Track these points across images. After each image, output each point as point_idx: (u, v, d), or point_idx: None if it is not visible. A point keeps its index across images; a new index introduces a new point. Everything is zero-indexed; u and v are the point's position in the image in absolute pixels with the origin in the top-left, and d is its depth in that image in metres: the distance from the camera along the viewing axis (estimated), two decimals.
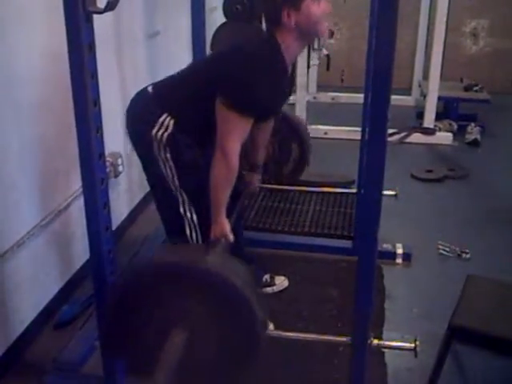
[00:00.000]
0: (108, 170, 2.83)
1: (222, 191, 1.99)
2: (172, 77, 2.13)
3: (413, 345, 1.79)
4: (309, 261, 2.91)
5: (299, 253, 2.97)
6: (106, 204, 1.64)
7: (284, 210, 3.33)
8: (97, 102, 1.53)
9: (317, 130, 4.55)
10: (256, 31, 2.00)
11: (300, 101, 4.55)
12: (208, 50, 3.03)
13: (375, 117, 1.46)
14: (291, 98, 4.39)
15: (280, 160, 2.88)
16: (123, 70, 3.00)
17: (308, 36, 2.00)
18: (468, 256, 2.96)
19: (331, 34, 6.24)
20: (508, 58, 6.13)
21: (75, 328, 2.39)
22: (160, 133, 1.98)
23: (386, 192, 2.76)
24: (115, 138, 2.78)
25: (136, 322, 1.54)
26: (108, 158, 2.83)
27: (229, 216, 2.09)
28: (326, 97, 5.57)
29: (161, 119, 1.99)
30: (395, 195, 2.82)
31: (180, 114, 2.01)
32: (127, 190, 3.18)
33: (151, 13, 3.35)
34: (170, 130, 1.99)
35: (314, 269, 2.85)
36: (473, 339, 1.93)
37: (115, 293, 1.58)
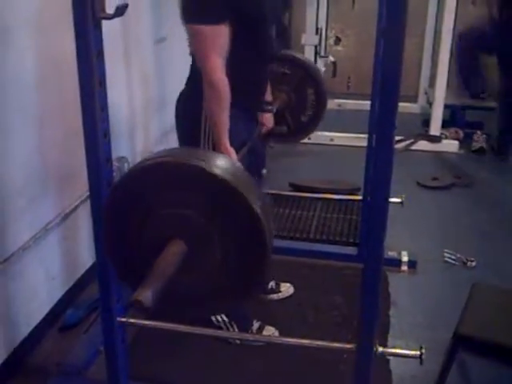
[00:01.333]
0: (114, 174, 2.84)
1: (216, 112, 1.87)
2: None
3: (418, 352, 1.78)
4: (314, 267, 2.91)
5: (304, 259, 2.97)
6: (107, 135, 1.62)
7: (290, 216, 3.33)
8: (104, 108, 1.54)
9: (323, 136, 4.55)
10: None
11: None
12: None
13: (382, 124, 1.46)
14: None
15: (297, 108, 2.69)
16: (130, 75, 3.02)
17: None
18: (473, 264, 2.95)
19: (338, 41, 6.29)
20: None
21: (80, 331, 2.39)
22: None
23: (391, 199, 2.77)
24: (122, 143, 2.79)
25: (131, 226, 1.42)
26: (114, 163, 2.84)
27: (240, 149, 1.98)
28: (333, 103, 5.57)
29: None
30: (401, 203, 2.81)
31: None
32: None
33: (158, 19, 3.36)
34: None
35: (319, 275, 2.85)
36: (478, 348, 1.92)
37: (112, 192, 1.46)
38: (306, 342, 1.87)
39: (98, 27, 1.47)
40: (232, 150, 1.90)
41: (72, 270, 2.60)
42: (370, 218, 1.61)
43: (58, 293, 2.50)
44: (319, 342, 1.87)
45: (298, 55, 2.66)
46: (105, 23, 1.48)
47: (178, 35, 3.45)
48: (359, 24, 5.95)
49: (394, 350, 1.83)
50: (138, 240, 1.42)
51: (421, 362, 1.80)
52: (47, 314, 2.40)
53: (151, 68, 3.29)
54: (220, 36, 1.81)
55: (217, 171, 1.32)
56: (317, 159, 4.38)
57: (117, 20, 1.47)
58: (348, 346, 1.77)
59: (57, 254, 2.47)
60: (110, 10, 1.46)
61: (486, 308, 2.05)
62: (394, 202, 2.75)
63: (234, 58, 1.86)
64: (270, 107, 2.35)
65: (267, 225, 1.34)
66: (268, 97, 2.35)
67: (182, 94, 2.08)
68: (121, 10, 1.45)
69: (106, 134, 1.57)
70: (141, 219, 1.41)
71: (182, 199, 1.36)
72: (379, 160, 1.50)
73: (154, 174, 1.37)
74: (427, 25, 5.38)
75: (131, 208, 1.41)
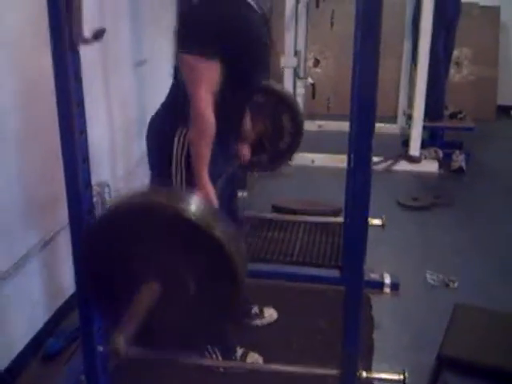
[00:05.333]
0: (95, 199, 2.80)
1: (199, 146, 1.88)
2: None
3: (401, 377, 1.78)
4: (297, 291, 2.88)
5: (287, 283, 2.95)
6: (86, 160, 1.59)
7: (273, 239, 3.32)
8: (83, 132, 1.52)
9: (304, 157, 4.55)
10: None
11: None
12: None
13: (359, 146, 1.47)
14: None
15: (274, 136, 2.73)
16: (110, 98, 3.00)
17: None
18: (456, 285, 2.95)
19: (317, 63, 6.34)
20: (491, 85, 6.23)
21: (62, 361, 2.34)
22: (179, 147, 1.95)
23: (372, 221, 2.79)
24: (102, 167, 2.77)
25: (107, 270, 1.47)
26: (95, 188, 2.81)
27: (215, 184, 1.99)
28: (313, 125, 5.60)
29: (177, 133, 1.95)
30: (382, 225, 2.81)
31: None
32: None
33: (138, 41, 3.36)
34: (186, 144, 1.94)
35: (302, 299, 2.82)
36: (462, 369, 1.92)
37: (86, 237, 1.52)
38: (289, 368, 1.86)
39: (75, 51, 1.46)
40: (210, 185, 1.91)
41: (54, 297, 2.55)
42: (350, 240, 1.60)
43: (39, 321, 2.45)
44: (303, 369, 1.85)
45: (275, 85, 2.70)
46: (84, 46, 1.47)
47: (158, 58, 3.47)
48: (338, 45, 6.01)
49: (377, 375, 1.82)
50: (114, 282, 1.47)
51: None
52: (29, 343, 2.35)
53: (131, 91, 3.28)
54: (212, 71, 1.83)
55: (189, 214, 1.36)
56: (299, 181, 4.38)
57: (96, 43, 1.47)
58: (332, 371, 1.75)
59: (38, 281, 2.43)
60: (87, 33, 1.45)
61: (468, 329, 2.05)
62: (375, 225, 2.76)
63: (220, 95, 1.88)
64: (247, 139, 2.40)
65: (240, 262, 1.39)
66: (247, 127, 2.37)
67: (155, 120, 2.08)
68: (98, 35, 1.45)
69: (85, 159, 1.55)
70: (116, 262, 1.45)
71: (155, 242, 1.40)
72: (357, 181, 1.50)
73: (127, 218, 1.41)
74: (404, 46, 5.45)
75: (105, 252, 1.45)
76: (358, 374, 1.73)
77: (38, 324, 2.44)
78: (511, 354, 1.88)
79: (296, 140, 2.74)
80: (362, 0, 1.33)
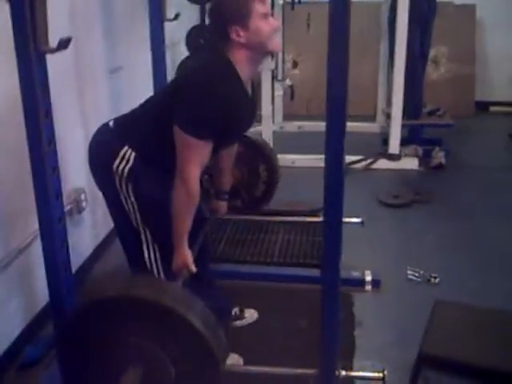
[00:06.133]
0: (71, 206, 2.80)
1: (182, 219, 1.96)
2: (133, 110, 2.12)
3: (381, 374, 1.79)
4: (278, 291, 2.89)
5: (269, 283, 2.95)
6: (64, 243, 1.62)
7: (252, 241, 3.31)
8: (52, 141, 1.52)
9: (284, 159, 4.55)
10: (213, 56, 2.00)
11: (266, 131, 4.57)
12: None
13: (331, 145, 1.48)
14: (258, 127, 4.45)
15: (250, 183, 2.87)
16: (85, 106, 2.99)
17: (260, 53, 1.99)
18: (437, 281, 2.97)
19: (295, 65, 6.36)
20: (468, 82, 6.29)
21: (39, 369, 2.32)
22: (121, 166, 1.96)
23: (351, 219, 2.80)
24: (78, 174, 2.75)
25: (88, 358, 1.53)
26: (71, 194, 2.80)
27: (192, 245, 2.07)
28: (293, 126, 5.61)
29: (122, 152, 1.97)
30: (361, 222, 2.82)
31: (141, 145, 1.99)
32: (92, 225, 3.13)
33: (113, 48, 3.35)
34: (131, 164, 1.96)
35: (283, 299, 2.83)
36: (442, 366, 1.91)
37: (65, 325, 1.58)
38: (268, 369, 1.86)
39: (41, 61, 1.46)
40: (188, 253, 2.00)
41: (30, 305, 2.53)
42: (326, 238, 1.61)
43: (16, 330, 2.43)
44: (281, 369, 1.86)
45: (251, 135, 2.79)
46: (55, 54, 1.47)
47: (134, 65, 3.46)
48: (315, 47, 6.01)
49: (356, 373, 1.84)
50: (96, 370, 1.55)
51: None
52: (5, 352, 2.33)
53: (106, 97, 3.26)
54: (206, 152, 1.93)
55: (166, 302, 1.47)
56: (280, 182, 4.37)
57: (68, 51, 1.46)
58: (311, 371, 1.76)
59: (13, 290, 2.41)
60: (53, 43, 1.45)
61: (448, 325, 2.04)
62: (354, 223, 2.77)
63: None
64: (225, 196, 2.49)
65: (216, 344, 1.50)
66: (226, 184, 2.49)
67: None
68: (64, 44, 1.45)
69: (55, 168, 1.55)
70: (95, 351, 1.53)
71: (133, 331, 1.50)
72: (330, 180, 1.52)
73: (104, 309, 1.50)
74: (381, 46, 5.48)
75: (85, 342, 1.53)
76: (336, 372, 1.74)
77: (15, 332, 2.42)
78: (490, 350, 1.88)
79: (271, 187, 2.94)
80: (331, 4, 1.34)
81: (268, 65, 4.56)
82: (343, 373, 1.76)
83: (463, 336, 1.97)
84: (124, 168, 1.96)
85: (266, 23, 1.92)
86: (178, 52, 4.64)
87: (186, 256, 1.99)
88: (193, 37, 4.45)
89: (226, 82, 1.91)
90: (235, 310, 2.63)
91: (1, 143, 2.25)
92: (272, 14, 2.02)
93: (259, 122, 4.47)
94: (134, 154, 1.97)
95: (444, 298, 2.23)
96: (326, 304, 1.64)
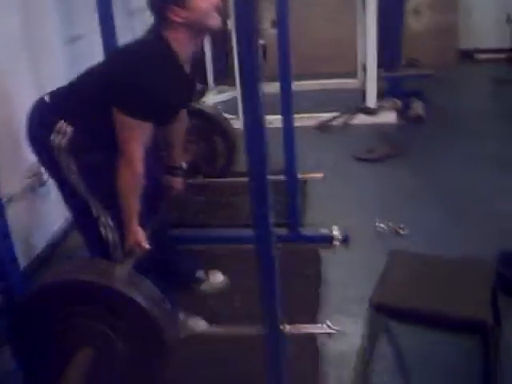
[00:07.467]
0: (32, 179, 2.79)
1: (129, 199, 1.98)
2: (70, 83, 2.11)
3: (326, 328, 1.79)
4: (243, 252, 2.87)
5: (235, 246, 2.93)
6: (7, 236, 1.66)
7: (219, 204, 3.31)
8: None
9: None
10: (148, 37, 2.01)
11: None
12: None
13: (248, 106, 1.45)
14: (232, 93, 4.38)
15: (208, 155, 2.87)
16: (40, 80, 2.92)
17: (200, 31, 1.99)
18: (406, 232, 2.96)
19: (274, 24, 6.22)
20: (452, 31, 6.17)
21: None
22: (58, 139, 1.96)
23: (311, 175, 2.78)
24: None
25: (40, 342, 1.62)
26: (31, 168, 2.79)
27: (146, 223, 2.07)
28: (270, 87, 5.53)
29: (58, 126, 1.97)
30: (322, 178, 2.80)
31: (77, 118, 1.99)
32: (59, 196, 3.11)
33: (68, 15, 3.26)
34: (68, 136, 1.96)
35: (249, 261, 2.81)
36: (390, 314, 1.93)
37: (18, 308, 1.63)
38: (217, 330, 1.87)
39: None
40: (139, 231, 2.01)
41: None
42: (255, 196, 1.60)
43: None
44: (229, 329, 1.87)
45: (205, 108, 2.88)
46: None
47: (97, 31, 3.34)
48: (295, 6, 5.89)
49: (302, 328, 1.83)
50: (48, 351, 1.63)
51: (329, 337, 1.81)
52: None
53: (64, 69, 3.17)
54: (147, 131, 1.96)
55: (113, 284, 1.58)
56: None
57: (16, 21, 1.41)
58: (256, 328, 1.76)
59: None
60: None
61: (401, 274, 2.05)
62: (314, 177, 2.74)
63: None
64: (178, 171, 2.48)
65: (164, 323, 1.60)
66: (178, 159, 2.47)
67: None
68: None
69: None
70: (47, 332, 1.60)
71: (83, 312, 1.59)
72: (252, 140, 1.50)
73: (56, 292, 1.60)
74: (357, 0, 5.37)
75: (37, 323, 1.61)
76: (281, 328, 1.73)
77: None
78: (437, 296, 1.88)
79: (230, 158, 2.96)
80: None
81: None
82: (287, 328, 1.75)
83: (413, 284, 1.98)
84: (61, 140, 1.96)
85: (204, 0, 1.90)
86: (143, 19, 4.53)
87: (138, 234, 2.00)
88: None
89: (162, 63, 1.93)
90: (200, 273, 2.63)
91: None
92: None
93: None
94: (70, 126, 1.97)
95: (411, 249, 2.23)
96: (261, 261, 1.63)
